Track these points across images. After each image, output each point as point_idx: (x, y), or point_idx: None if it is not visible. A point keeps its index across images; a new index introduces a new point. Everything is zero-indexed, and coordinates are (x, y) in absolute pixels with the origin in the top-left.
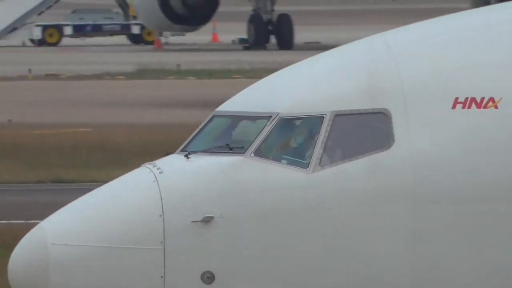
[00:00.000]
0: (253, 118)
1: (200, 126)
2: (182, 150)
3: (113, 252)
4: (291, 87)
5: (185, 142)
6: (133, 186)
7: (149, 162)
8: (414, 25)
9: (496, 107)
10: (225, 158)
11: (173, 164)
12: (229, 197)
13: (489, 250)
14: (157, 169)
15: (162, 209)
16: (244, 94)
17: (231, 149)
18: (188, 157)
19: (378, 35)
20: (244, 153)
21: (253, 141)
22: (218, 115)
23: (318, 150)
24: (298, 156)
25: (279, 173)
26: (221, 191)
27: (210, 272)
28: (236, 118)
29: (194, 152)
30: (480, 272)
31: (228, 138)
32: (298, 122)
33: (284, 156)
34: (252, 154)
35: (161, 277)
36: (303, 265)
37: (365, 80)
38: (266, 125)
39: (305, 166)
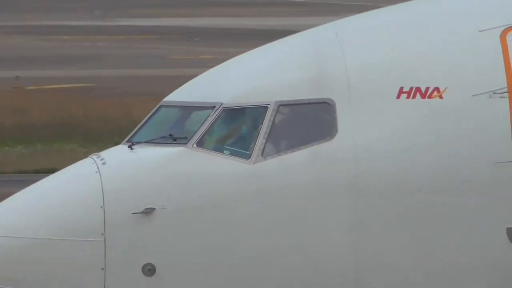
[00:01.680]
0: (198, 108)
1: (147, 117)
2: (127, 141)
3: (53, 244)
4: (236, 77)
5: (131, 133)
6: (75, 178)
7: (95, 153)
8: (362, 14)
9: (441, 97)
10: (168, 149)
11: (116, 155)
12: (171, 189)
13: (433, 242)
14: (101, 160)
15: (103, 201)
16: (191, 85)
17: (174, 140)
18: (132, 148)
19: (327, 24)
20: (186, 144)
21: (195, 132)
22: (165, 105)
23: (261, 140)
24: (241, 147)
25: (220, 164)
26: (163, 183)
27: (151, 264)
28: (182, 109)
29: (138, 143)
30: (423, 264)
31: (173, 129)
32: (241, 113)
33: (226, 147)
34: (195, 145)
35: (102, 269)
36: (246, 257)
37: (311, 70)
38: (209, 115)
39: (247, 157)
